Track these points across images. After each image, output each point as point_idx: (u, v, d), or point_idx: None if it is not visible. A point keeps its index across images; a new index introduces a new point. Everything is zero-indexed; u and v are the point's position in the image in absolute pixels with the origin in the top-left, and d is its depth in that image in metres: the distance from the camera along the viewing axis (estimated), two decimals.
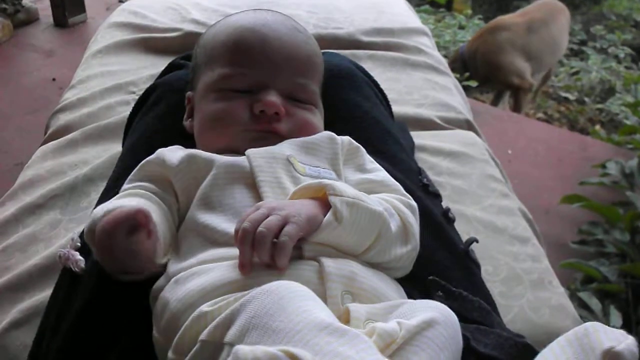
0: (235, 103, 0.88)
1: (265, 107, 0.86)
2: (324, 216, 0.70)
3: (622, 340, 0.55)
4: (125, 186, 0.84)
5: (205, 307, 0.62)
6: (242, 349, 0.47)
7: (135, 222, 0.69)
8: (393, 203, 0.78)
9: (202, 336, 0.58)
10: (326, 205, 0.71)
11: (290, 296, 0.55)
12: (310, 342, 0.50)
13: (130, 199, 0.78)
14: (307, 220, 0.69)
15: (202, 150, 0.89)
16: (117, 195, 0.82)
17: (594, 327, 0.57)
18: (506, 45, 3.56)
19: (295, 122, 0.89)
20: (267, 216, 0.67)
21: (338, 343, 0.51)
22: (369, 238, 0.73)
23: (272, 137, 0.87)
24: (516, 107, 3.63)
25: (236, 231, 0.67)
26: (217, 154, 0.84)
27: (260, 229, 0.65)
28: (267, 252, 0.65)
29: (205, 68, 0.95)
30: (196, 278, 0.67)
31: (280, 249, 0.65)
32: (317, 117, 0.94)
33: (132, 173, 0.86)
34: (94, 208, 0.96)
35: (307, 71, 0.94)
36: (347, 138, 0.91)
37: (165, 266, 0.75)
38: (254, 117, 0.87)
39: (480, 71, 3.61)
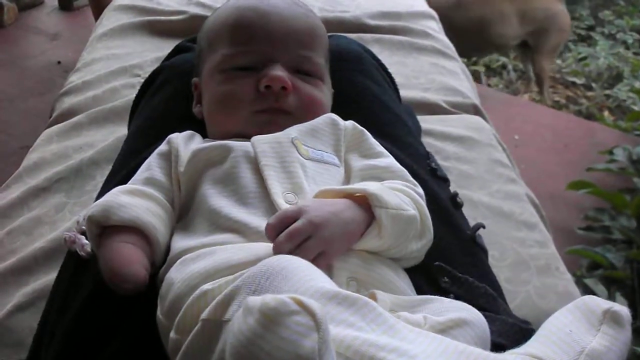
0: (241, 82, 0.87)
1: (272, 82, 0.85)
2: (360, 220, 0.70)
3: (617, 304, 0.59)
4: (142, 175, 0.83)
5: (206, 286, 0.62)
6: (251, 298, 0.46)
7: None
8: (410, 195, 0.77)
9: (203, 315, 0.57)
10: (361, 208, 0.70)
11: (292, 267, 0.54)
12: None
13: (142, 202, 0.76)
14: (342, 236, 0.68)
15: (213, 134, 0.89)
16: (132, 188, 0.79)
17: (590, 298, 0.61)
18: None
19: (302, 98, 0.88)
20: (296, 219, 0.65)
21: (348, 312, 0.52)
22: (400, 242, 0.73)
23: (280, 118, 0.85)
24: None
25: (267, 225, 0.66)
26: (227, 139, 0.84)
27: (279, 238, 0.64)
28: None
29: (209, 52, 0.94)
30: (201, 260, 0.67)
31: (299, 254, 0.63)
32: (323, 93, 0.93)
33: (150, 161, 0.85)
34: (100, 192, 0.96)
35: (311, 43, 0.93)
36: (350, 123, 0.89)
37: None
38: (260, 95, 0.86)
39: None
